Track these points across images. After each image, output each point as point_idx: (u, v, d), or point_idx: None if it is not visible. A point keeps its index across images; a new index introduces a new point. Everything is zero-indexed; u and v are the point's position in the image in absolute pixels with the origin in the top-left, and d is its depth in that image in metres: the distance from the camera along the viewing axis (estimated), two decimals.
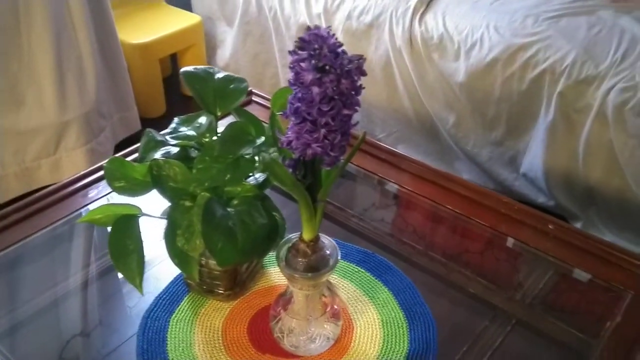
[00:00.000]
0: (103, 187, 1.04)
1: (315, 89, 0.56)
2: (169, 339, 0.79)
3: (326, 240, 0.72)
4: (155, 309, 0.83)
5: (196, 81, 0.81)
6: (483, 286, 0.90)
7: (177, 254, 0.70)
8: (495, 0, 1.82)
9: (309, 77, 0.56)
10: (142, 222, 0.73)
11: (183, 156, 0.77)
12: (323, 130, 0.59)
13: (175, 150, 0.78)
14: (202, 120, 0.82)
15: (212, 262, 0.80)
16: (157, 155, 0.76)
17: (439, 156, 1.94)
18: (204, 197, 0.70)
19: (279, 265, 0.70)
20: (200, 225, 0.68)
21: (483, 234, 0.99)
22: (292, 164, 0.65)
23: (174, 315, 0.82)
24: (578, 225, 1.66)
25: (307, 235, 0.69)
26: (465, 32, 1.73)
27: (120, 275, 0.91)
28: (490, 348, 0.80)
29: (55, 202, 1.01)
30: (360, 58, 0.57)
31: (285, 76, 2.21)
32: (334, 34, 0.56)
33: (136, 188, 0.76)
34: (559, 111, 1.58)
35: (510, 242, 0.97)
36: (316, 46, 0.56)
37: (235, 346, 0.78)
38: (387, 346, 0.79)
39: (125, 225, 0.72)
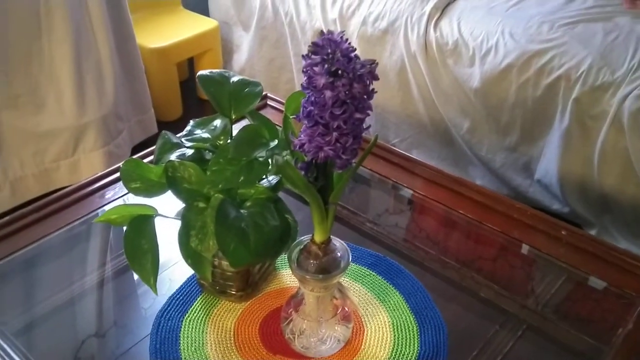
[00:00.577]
0: (120, 188, 1.06)
1: (328, 93, 0.57)
2: (181, 339, 0.80)
3: (338, 242, 0.73)
4: (168, 308, 0.84)
5: (212, 84, 0.82)
6: (494, 291, 0.90)
7: (190, 254, 0.71)
8: (511, 7, 1.82)
9: (321, 81, 0.57)
10: (157, 224, 0.75)
11: (198, 158, 0.78)
12: (335, 134, 0.60)
13: (190, 152, 0.79)
14: (217, 123, 0.83)
15: (225, 263, 0.81)
16: (173, 157, 0.78)
17: (452, 161, 1.93)
18: (217, 198, 0.71)
19: (290, 267, 0.71)
20: (214, 226, 0.69)
21: (495, 239, 0.99)
22: (305, 167, 0.66)
23: (187, 315, 0.83)
24: (592, 232, 1.65)
25: (318, 238, 0.70)
26: (481, 38, 1.73)
27: (135, 277, 0.92)
28: (500, 353, 0.80)
29: (73, 203, 1.03)
30: (373, 63, 0.58)
31: (300, 81, 2.22)
32: (347, 39, 0.57)
33: (151, 189, 0.78)
34: (574, 118, 1.57)
35: (522, 247, 0.97)
36: (329, 51, 0.57)
37: (246, 347, 0.79)
38: (397, 349, 0.79)
39: (141, 225, 0.73)
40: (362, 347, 0.79)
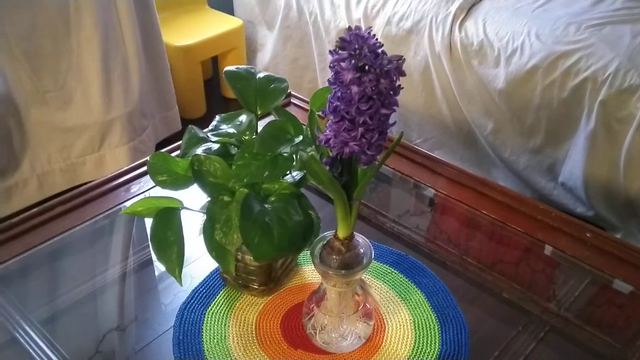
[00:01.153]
0: (144, 182, 1.07)
1: (355, 88, 0.58)
2: (204, 331, 0.81)
3: (360, 239, 0.73)
4: (191, 301, 0.85)
5: (238, 80, 0.83)
6: (517, 292, 0.89)
7: (214, 247, 0.72)
8: (537, 7, 1.80)
9: (348, 76, 0.57)
10: (181, 218, 0.75)
11: (223, 153, 0.79)
12: (361, 129, 0.60)
13: (216, 146, 0.80)
14: (243, 118, 0.84)
15: (248, 257, 0.81)
16: (199, 151, 0.79)
17: (475, 163, 1.92)
18: (242, 192, 0.72)
19: (313, 262, 0.71)
20: (238, 220, 0.70)
21: (519, 240, 0.99)
22: (330, 162, 0.66)
23: (209, 308, 0.84)
24: (617, 236, 1.63)
25: (341, 233, 0.70)
26: (506, 39, 1.72)
27: (156, 272, 0.93)
28: (522, 355, 0.79)
29: (98, 196, 1.05)
30: (400, 59, 0.58)
31: (323, 80, 2.23)
32: (374, 35, 0.58)
33: (177, 182, 0.79)
34: (600, 120, 1.55)
35: (546, 249, 0.96)
36: (356, 46, 0.57)
37: (268, 340, 0.80)
38: (418, 347, 0.79)
39: (167, 217, 0.74)
40: (383, 344, 0.79)
